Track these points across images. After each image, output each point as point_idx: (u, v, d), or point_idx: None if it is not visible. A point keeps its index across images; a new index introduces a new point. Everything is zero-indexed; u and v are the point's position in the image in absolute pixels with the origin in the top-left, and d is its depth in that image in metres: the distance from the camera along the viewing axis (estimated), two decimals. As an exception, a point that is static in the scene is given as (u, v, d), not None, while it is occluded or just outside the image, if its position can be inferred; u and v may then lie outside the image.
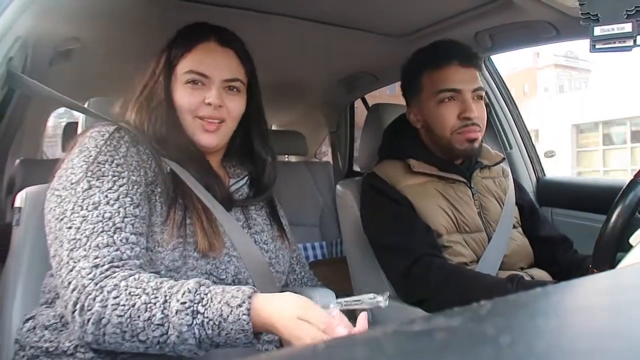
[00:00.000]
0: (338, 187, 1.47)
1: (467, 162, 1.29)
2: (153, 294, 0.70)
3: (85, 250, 0.74)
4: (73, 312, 0.71)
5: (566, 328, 0.24)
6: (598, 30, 0.79)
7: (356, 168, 2.79)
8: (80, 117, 1.14)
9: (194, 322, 0.68)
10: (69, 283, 0.72)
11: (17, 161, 2.45)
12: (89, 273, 0.72)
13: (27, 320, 0.85)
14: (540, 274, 1.29)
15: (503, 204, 1.30)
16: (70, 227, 0.76)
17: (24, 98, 1.64)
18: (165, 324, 0.68)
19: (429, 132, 1.28)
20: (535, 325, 0.25)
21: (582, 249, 1.30)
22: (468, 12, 1.42)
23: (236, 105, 0.95)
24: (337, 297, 1.06)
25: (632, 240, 0.83)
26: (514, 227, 1.29)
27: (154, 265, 0.80)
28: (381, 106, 1.54)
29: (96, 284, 0.71)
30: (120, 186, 0.80)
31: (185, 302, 0.69)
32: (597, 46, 0.80)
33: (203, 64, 0.92)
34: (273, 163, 1.04)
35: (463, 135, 1.21)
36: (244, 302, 0.68)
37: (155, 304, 0.69)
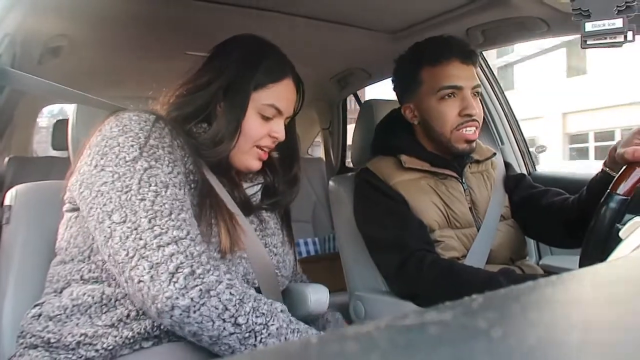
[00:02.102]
0: (331, 183, 1.47)
1: (459, 158, 1.29)
2: (258, 293, 0.78)
3: (172, 221, 0.75)
4: (174, 274, 0.70)
5: (558, 321, 0.24)
6: (589, 26, 0.79)
7: (349, 164, 2.79)
8: (70, 114, 1.12)
9: (290, 325, 0.76)
10: (160, 247, 0.72)
11: (7, 159, 2.43)
12: (191, 245, 0.74)
13: (35, 306, 0.84)
14: (531, 266, 1.30)
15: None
16: (143, 199, 0.75)
17: (14, 95, 1.63)
18: (269, 316, 0.74)
19: (426, 128, 1.27)
20: (527, 318, 0.25)
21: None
22: (460, 8, 1.42)
23: (284, 136, 0.98)
24: (330, 293, 1.07)
25: (622, 233, 0.84)
26: (503, 219, 1.30)
27: None
28: (373, 102, 1.54)
29: (208, 259, 0.74)
30: (178, 173, 0.81)
31: (284, 309, 0.78)
32: (588, 42, 0.81)
33: (283, 101, 0.94)
34: (298, 181, 1.07)
35: (462, 135, 1.21)
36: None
37: (262, 300, 0.76)
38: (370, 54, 1.90)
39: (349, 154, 2.79)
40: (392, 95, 1.40)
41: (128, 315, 0.78)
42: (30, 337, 0.80)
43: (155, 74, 1.87)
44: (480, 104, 1.25)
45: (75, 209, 0.85)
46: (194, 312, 0.70)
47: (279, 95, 0.94)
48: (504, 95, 1.94)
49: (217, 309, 0.71)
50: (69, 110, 1.16)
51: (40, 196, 1.00)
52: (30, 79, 1.03)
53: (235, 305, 0.72)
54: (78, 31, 1.46)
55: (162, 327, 0.79)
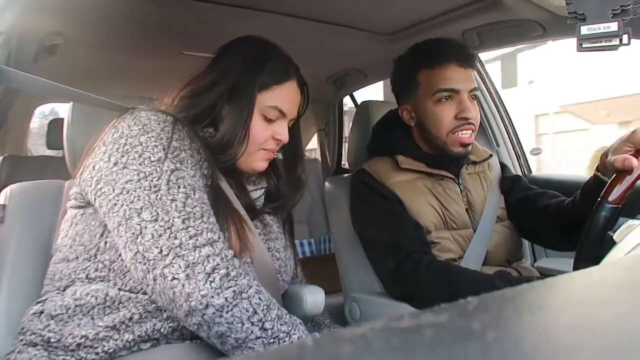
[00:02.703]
0: (327, 184, 1.47)
1: (455, 159, 1.29)
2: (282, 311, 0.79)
3: (205, 223, 0.76)
4: (210, 274, 0.72)
5: (552, 323, 0.25)
6: (585, 29, 0.80)
7: (345, 165, 2.80)
8: (65, 113, 1.12)
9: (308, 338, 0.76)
10: (196, 247, 0.73)
11: (1, 158, 2.42)
12: (224, 248, 0.76)
13: (37, 303, 0.84)
14: (527, 268, 1.30)
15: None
16: (174, 200, 0.75)
17: (8, 94, 1.62)
18: (291, 325, 0.76)
19: (422, 130, 1.27)
20: (522, 321, 0.25)
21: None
22: (456, 10, 1.42)
23: (288, 138, 0.98)
24: (325, 294, 1.07)
25: (616, 236, 0.84)
26: (500, 221, 1.30)
27: None
28: (370, 103, 1.55)
29: (240, 263, 0.76)
30: (200, 177, 0.82)
31: (301, 322, 0.80)
32: (583, 45, 0.81)
33: (287, 103, 0.94)
34: (303, 184, 1.07)
35: (458, 138, 1.21)
36: None
37: (283, 310, 0.78)
38: (366, 55, 1.90)
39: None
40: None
41: (131, 318, 0.78)
42: (31, 335, 0.80)
43: (152, 73, 1.87)
44: (477, 108, 1.25)
45: (82, 206, 0.84)
46: (227, 312, 0.72)
47: (282, 97, 0.93)
48: (500, 98, 1.95)
49: (247, 311, 0.73)
50: (61, 110, 1.16)
51: (35, 195, 1.00)
52: (26, 77, 1.02)
53: (263, 310, 0.74)
54: (74, 30, 1.45)
55: (162, 330, 0.79)
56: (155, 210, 0.74)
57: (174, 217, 0.74)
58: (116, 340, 0.77)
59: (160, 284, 0.72)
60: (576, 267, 0.92)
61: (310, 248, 2.59)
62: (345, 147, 2.79)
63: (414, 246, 1.17)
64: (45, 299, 0.83)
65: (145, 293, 0.78)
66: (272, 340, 0.73)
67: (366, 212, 1.28)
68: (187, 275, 0.71)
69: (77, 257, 0.83)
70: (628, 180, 0.90)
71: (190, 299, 0.71)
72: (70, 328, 0.78)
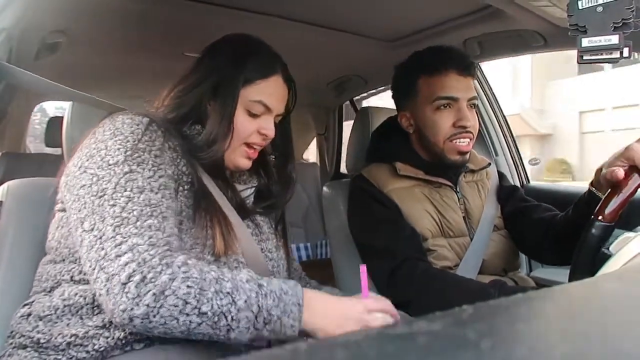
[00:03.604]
0: (325, 188, 1.47)
1: (453, 167, 1.30)
2: (221, 272, 0.73)
3: (136, 228, 0.73)
4: (126, 284, 0.69)
5: (546, 334, 0.25)
6: (586, 42, 0.80)
7: (343, 170, 2.80)
8: (65, 111, 1.12)
9: (260, 291, 0.72)
10: (118, 256, 0.70)
11: (-1, 154, 2.41)
12: (147, 250, 0.71)
13: (24, 305, 0.83)
14: (523, 278, 1.30)
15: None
16: (114, 205, 0.74)
17: (7, 91, 1.62)
18: (234, 292, 0.71)
19: (421, 137, 1.27)
20: (516, 330, 0.25)
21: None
22: (458, 19, 1.43)
23: (274, 133, 0.98)
24: None
25: (613, 248, 0.84)
26: (497, 230, 1.30)
27: None
28: (370, 109, 1.55)
29: (161, 259, 0.71)
30: (160, 177, 0.80)
31: (250, 278, 0.74)
32: (584, 57, 0.81)
33: (272, 97, 0.93)
34: (293, 182, 1.06)
35: (456, 146, 1.21)
36: (296, 284, 0.77)
37: (224, 278, 0.72)
38: (367, 62, 1.90)
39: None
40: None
41: None
42: (20, 337, 0.79)
43: (153, 73, 1.87)
44: (475, 116, 1.25)
45: (65, 209, 0.85)
46: (154, 316, 0.68)
47: (267, 91, 0.93)
48: (500, 107, 1.95)
49: (177, 306, 0.69)
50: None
51: (32, 192, 0.99)
52: (26, 75, 1.02)
53: (195, 296, 0.70)
54: (76, 28, 1.46)
55: None
56: (94, 219, 0.74)
57: (107, 225, 0.72)
58: (107, 338, 0.76)
59: (98, 300, 0.73)
60: (571, 281, 0.92)
61: (306, 252, 2.59)
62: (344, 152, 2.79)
63: (410, 253, 1.17)
64: (32, 301, 0.83)
65: None
66: (216, 319, 0.70)
67: (363, 217, 1.28)
68: (107, 290, 0.69)
69: (63, 260, 0.83)
70: (621, 198, 0.89)
71: (114, 316, 0.69)
72: (59, 328, 0.77)
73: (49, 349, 0.77)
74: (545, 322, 0.27)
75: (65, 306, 0.79)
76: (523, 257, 1.73)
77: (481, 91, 1.88)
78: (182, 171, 0.85)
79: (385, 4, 1.38)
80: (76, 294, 0.79)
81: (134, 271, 0.69)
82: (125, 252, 0.70)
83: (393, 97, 1.36)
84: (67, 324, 0.78)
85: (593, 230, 0.88)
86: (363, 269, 0.84)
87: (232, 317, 0.70)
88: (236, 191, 0.96)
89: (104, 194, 0.75)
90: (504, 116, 1.96)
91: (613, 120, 12.54)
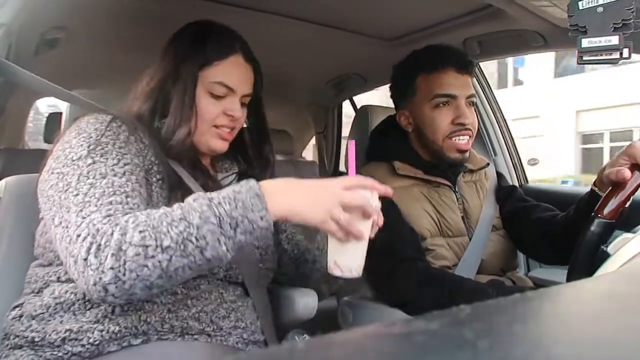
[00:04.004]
0: (323, 187, 1.47)
1: (452, 166, 1.30)
2: (168, 207, 0.72)
3: (96, 206, 0.72)
4: (86, 259, 0.67)
5: (544, 334, 0.25)
6: (585, 42, 0.80)
7: (342, 169, 2.80)
8: (65, 107, 1.12)
9: (212, 203, 0.70)
10: (78, 236, 0.69)
11: (-2, 150, 2.40)
12: (101, 221, 0.70)
13: (14, 307, 0.83)
14: (521, 278, 1.30)
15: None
16: (77, 194, 0.74)
17: (6, 86, 1.61)
18: (186, 215, 0.69)
19: (420, 136, 1.27)
20: (514, 331, 0.25)
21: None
22: (458, 18, 1.43)
23: (244, 115, 0.98)
24: (319, 297, 1.06)
25: (611, 249, 0.84)
26: (495, 230, 1.30)
27: None
28: (369, 108, 1.55)
29: (111, 224, 0.70)
30: (125, 164, 0.79)
31: (198, 196, 0.72)
32: (584, 58, 0.81)
33: (232, 77, 0.93)
34: (271, 164, 1.05)
35: (454, 144, 1.21)
36: (248, 181, 0.73)
37: (172, 209, 0.71)
38: (367, 60, 1.90)
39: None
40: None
41: (113, 311, 0.78)
42: (14, 338, 0.79)
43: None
44: (474, 114, 1.25)
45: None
46: (123, 274, 0.66)
47: (226, 72, 0.93)
48: (499, 107, 1.95)
49: (138, 254, 0.67)
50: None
51: (30, 188, 0.99)
52: (24, 74, 1.02)
53: (151, 237, 0.67)
54: (77, 24, 1.45)
55: (149, 321, 0.78)
56: (61, 213, 0.73)
57: (72, 214, 0.72)
58: (101, 331, 0.76)
59: (78, 286, 0.72)
60: (569, 281, 0.92)
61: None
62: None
63: (409, 252, 1.16)
64: (22, 303, 0.83)
65: None
66: (182, 247, 0.67)
67: (362, 216, 1.27)
68: (77, 272, 0.68)
69: (50, 264, 0.84)
70: (622, 195, 0.89)
71: (91, 293, 0.68)
72: (53, 325, 0.77)
73: (44, 347, 0.77)
74: (542, 323, 0.27)
75: (57, 304, 0.79)
76: (521, 257, 1.74)
77: (480, 91, 1.88)
78: (152, 161, 0.85)
79: (386, 2, 1.38)
80: (66, 291, 0.79)
81: (90, 244, 0.68)
82: (84, 229, 0.69)
83: (392, 96, 1.36)
84: (61, 321, 0.78)
85: (593, 228, 0.88)
86: (352, 145, 0.81)
87: (195, 238, 0.68)
88: (216, 181, 0.95)
89: (69, 187, 0.75)
90: (502, 116, 1.96)
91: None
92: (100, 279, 0.67)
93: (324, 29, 1.58)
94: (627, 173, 0.90)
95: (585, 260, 0.87)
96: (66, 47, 1.58)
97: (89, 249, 0.68)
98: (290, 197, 0.74)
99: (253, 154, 1.05)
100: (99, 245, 0.68)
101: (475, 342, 0.22)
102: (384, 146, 1.34)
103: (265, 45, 1.67)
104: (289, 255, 1.08)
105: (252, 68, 0.97)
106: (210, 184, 0.92)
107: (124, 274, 0.66)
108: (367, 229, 0.79)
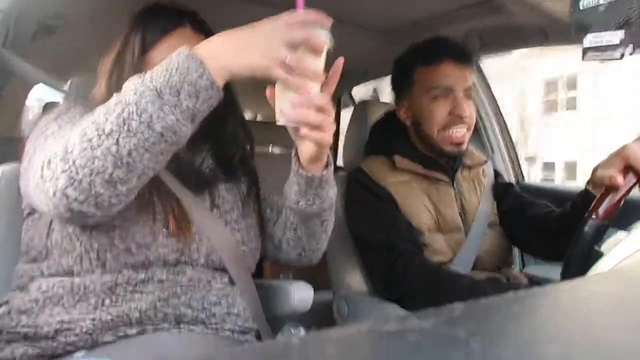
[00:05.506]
0: (321, 180, 1.47)
1: (451, 162, 1.30)
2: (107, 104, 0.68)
3: (55, 139, 0.72)
4: (42, 175, 0.67)
5: (537, 333, 0.25)
6: (589, 39, 0.80)
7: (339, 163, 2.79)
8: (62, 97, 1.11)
9: (144, 78, 0.66)
10: (37, 165, 0.69)
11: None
12: (56, 146, 0.68)
13: (0, 305, 0.82)
14: (515, 274, 1.31)
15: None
16: (42, 150, 0.73)
17: (2, 74, 1.60)
18: (122, 97, 0.66)
19: (417, 128, 1.28)
20: (507, 330, 0.25)
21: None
22: (458, 11, 1.42)
23: None
24: (314, 291, 1.07)
25: (604, 247, 0.85)
26: (491, 226, 1.31)
27: (125, 242, 0.78)
28: (367, 103, 1.55)
29: (56, 143, 0.69)
30: None
31: (132, 80, 0.68)
32: (587, 54, 0.81)
33: None
34: (243, 142, 1.01)
35: (449, 136, 1.21)
36: (180, 49, 0.68)
37: (109, 103, 0.67)
38: (366, 53, 1.89)
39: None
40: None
41: (103, 303, 0.77)
42: (6, 335, 0.78)
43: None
44: (472, 107, 1.25)
45: (30, 213, 0.86)
46: (76, 173, 0.64)
47: (173, 47, 0.84)
48: (497, 104, 1.95)
49: (85, 149, 0.64)
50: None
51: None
52: (19, 62, 1.01)
53: (91, 129, 0.65)
54: (76, 11, 1.44)
55: (139, 308, 0.78)
56: (33, 170, 0.72)
57: (38, 164, 0.70)
58: (93, 319, 0.76)
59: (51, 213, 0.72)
60: (563, 279, 0.93)
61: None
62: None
63: (406, 247, 1.17)
64: (7, 300, 0.82)
65: (105, 271, 0.78)
66: (126, 127, 0.64)
67: (360, 210, 1.28)
68: (41, 195, 0.68)
69: (34, 260, 0.83)
70: (615, 197, 0.89)
71: (57, 208, 0.67)
72: (43, 318, 0.77)
73: (38, 339, 0.77)
74: (536, 322, 0.27)
75: (45, 298, 0.78)
76: (516, 254, 1.74)
77: (479, 88, 1.88)
78: None
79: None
80: (54, 285, 0.79)
81: (42, 162, 0.68)
82: (42, 158, 0.69)
83: (392, 89, 1.36)
84: (51, 314, 0.77)
85: (586, 228, 0.88)
86: None
87: (137, 114, 0.64)
88: (185, 164, 0.91)
89: (36, 147, 0.76)
90: (500, 113, 1.96)
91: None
92: (56, 186, 0.65)
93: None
94: (620, 179, 0.90)
95: (578, 260, 0.88)
96: (64, 34, 1.57)
97: (42, 167, 0.67)
98: (225, 48, 0.67)
99: (219, 127, 0.98)
100: (49, 159, 0.67)
101: (469, 340, 0.22)
102: (384, 140, 1.34)
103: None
104: (275, 220, 1.03)
105: (205, 37, 0.91)
106: (184, 169, 0.89)
107: (77, 172, 0.64)
108: (319, 67, 0.71)
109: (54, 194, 0.66)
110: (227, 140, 0.99)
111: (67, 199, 0.66)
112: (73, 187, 0.65)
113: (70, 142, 0.66)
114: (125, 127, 0.64)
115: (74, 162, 0.64)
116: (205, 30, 0.94)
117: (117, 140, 0.64)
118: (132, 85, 0.66)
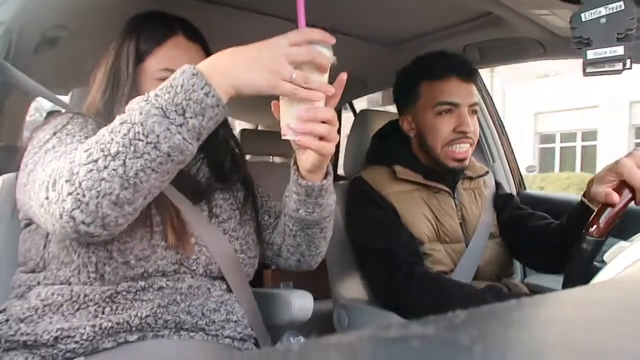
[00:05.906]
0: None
1: (452, 173, 1.30)
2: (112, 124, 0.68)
3: (57, 157, 0.72)
4: (47, 197, 0.66)
5: (539, 340, 0.25)
6: (591, 54, 0.80)
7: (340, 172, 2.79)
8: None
9: (149, 98, 0.66)
10: (40, 185, 0.69)
11: (-4, 147, 2.40)
12: (59, 164, 0.68)
13: None
14: (516, 284, 1.31)
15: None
16: (43, 163, 0.74)
17: (4, 84, 1.61)
18: (126, 117, 0.65)
19: (421, 141, 1.28)
20: (509, 337, 0.25)
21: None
22: (458, 25, 1.43)
23: None
24: (315, 300, 1.06)
25: (606, 257, 0.84)
26: (492, 237, 1.31)
27: (123, 255, 0.78)
28: (368, 112, 1.55)
29: (63, 160, 0.68)
30: (87, 135, 0.80)
31: (134, 100, 0.67)
32: (588, 69, 0.81)
33: (176, 61, 0.88)
34: (233, 146, 1.02)
35: (452, 153, 1.22)
36: (184, 67, 0.67)
37: (114, 123, 0.67)
38: (367, 65, 1.90)
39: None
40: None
41: (103, 311, 0.77)
42: (5, 343, 0.78)
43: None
44: (477, 122, 1.26)
45: (28, 224, 0.86)
46: (83, 196, 0.64)
47: (168, 56, 0.90)
48: (497, 114, 1.96)
49: (91, 170, 0.64)
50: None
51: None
52: (23, 78, 1.02)
53: (97, 150, 0.64)
54: (78, 23, 1.45)
55: (139, 315, 0.78)
56: (34, 187, 0.72)
57: (39, 181, 0.71)
58: (93, 326, 0.76)
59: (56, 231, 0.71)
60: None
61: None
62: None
63: (407, 257, 1.17)
64: (5, 308, 0.82)
65: (104, 283, 0.78)
66: (132, 147, 0.63)
67: (361, 219, 1.28)
68: (47, 216, 0.67)
69: (32, 271, 0.84)
70: (611, 213, 0.89)
71: (64, 228, 0.66)
72: (43, 326, 0.77)
73: (37, 347, 0.76)
74: (538, 329, 0.27)
75: (45, 306, 0.78)
76: (517, 264, 1.74)
77: (480, 98, 1.89)
78: None
79: (387, 8, 1.38)
80: (53, 293, 0.78)
81: (47, 183, 0.67)
82: (43, 177, 0.69)
83: (395, 100, 1.37)
84: (50, 322, 0.77)
85: (584, 245, 0.89)
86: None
87: (143, 134, 0.63)
88: (183, 174, 0.89)
89: (37, 163, 0.76)
90: (501, 122, 1.97)
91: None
92: (64, 208, 0.65)
93: (324, 33, 1.58)
94: (616, 197, 0.90)
95: (578, 276, 0.88)
96: (67, 45, 1.58)
97: (47, 188, 0.67)
98: (230, 66, 0.67)
99: (212, 134, 1.00)
100: (54, 180, 0.66)
101: (471, 347, 0.22)
102: (385, 150, 1.34)
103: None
104: (273, 226, 1.03)
105: (199, 46, 0.94)
106: (182, 177, 0.88)
107: (84, 195, 0.64)
108: (324, 84, 0.72)
109: (61, 216, 0.65)
110: (219, 147, 0.99)
111: (74, 220, 0.65)
112: (80, 209, 0.65)
113: (75, 163, 0.65)
114: (132, 148, 0.63)
115: (80, 184, 0.64)
116: (198, 38, 0.95)
117: (124, 161, 0.63)
118: (137, 105, 0.66)
